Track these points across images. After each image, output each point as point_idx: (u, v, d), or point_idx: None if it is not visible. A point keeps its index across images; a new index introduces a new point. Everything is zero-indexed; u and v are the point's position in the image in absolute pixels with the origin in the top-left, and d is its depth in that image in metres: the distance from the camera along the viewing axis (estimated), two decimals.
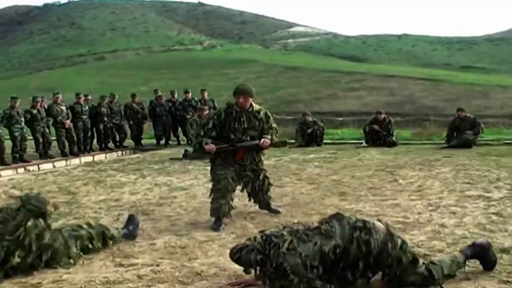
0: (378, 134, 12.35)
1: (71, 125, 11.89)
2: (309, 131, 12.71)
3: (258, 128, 5.02)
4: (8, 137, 10.75)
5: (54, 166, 10.93)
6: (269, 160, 8.79)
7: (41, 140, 11.27)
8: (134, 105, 13.77)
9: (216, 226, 4.86)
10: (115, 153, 13.10)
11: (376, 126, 12.42)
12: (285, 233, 3.03)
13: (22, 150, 10.81)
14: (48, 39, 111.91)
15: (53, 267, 3.75)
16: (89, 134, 12.60)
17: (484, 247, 3.42)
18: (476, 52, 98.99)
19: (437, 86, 44.86)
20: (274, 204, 5.50)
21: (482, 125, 12.12)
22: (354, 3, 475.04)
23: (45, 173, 9.35)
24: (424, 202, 5.74)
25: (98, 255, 4.02)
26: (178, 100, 14.08)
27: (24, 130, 10.89)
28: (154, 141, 14.13)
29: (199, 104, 13.14)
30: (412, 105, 37.56)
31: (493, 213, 5.09)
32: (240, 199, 5.60)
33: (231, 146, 4.93)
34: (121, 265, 3.83)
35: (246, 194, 5.35)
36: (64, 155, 11.81)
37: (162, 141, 13.94)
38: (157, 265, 3.79)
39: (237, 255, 3.11)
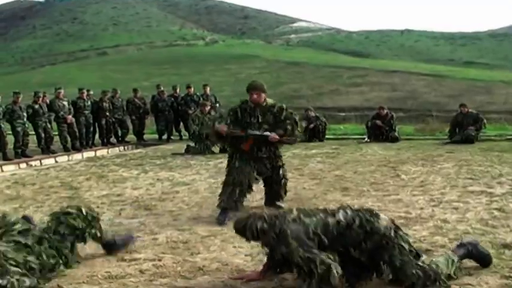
0: (381, 130, 12.34)
1: (73, 120, 11.88)
2: (311, 126, 12.71)
3: (272, 123, 5.09)
4: (10, 132, 10.75)
5: (56, 161, 10.94)
6: None
7: (43, 135, 11.26)
8: (136, 100, 13.75)
9: (222, 218, 4.86)
10: (117, 148, 13.09)
11: (378, 122, 12.41)
12: (293, 208, 3.25)
13: (24, 145, 10.80)
14: (50, 34, 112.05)
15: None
16: (91, 129, 12.60)
17: (472, 245, 3.42)
18: (479, 48, 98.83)
19: (440, 82, 44.83)
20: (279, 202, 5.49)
21: (485, 121, 12.10)
22: None
23: (48, 168, 9.35)
24: (427, 197, 5.74)
25: (100, 250, 4.02)
26: (181, 95, 14.05)
27: (26, 125, 10.88)
28: (156, 136, 14.12)
29: (201, 99, 13.14)
30: (415, 100, 37.51)
31: (496, 209, 5.09)
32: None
33: (242, 132, 5.01)
34: (123, 260, 3.83)
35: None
36: (66, 150, 11.82)
37: (164, 136, 13.94)
38: (160, 260, 3.79)
39: (242, 223, 3.21)
